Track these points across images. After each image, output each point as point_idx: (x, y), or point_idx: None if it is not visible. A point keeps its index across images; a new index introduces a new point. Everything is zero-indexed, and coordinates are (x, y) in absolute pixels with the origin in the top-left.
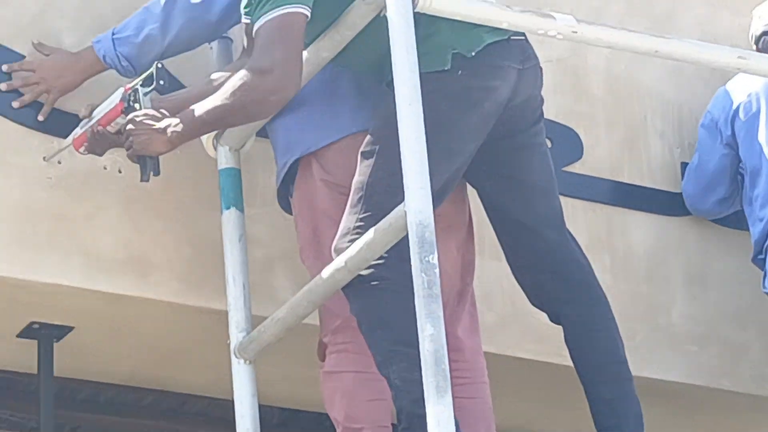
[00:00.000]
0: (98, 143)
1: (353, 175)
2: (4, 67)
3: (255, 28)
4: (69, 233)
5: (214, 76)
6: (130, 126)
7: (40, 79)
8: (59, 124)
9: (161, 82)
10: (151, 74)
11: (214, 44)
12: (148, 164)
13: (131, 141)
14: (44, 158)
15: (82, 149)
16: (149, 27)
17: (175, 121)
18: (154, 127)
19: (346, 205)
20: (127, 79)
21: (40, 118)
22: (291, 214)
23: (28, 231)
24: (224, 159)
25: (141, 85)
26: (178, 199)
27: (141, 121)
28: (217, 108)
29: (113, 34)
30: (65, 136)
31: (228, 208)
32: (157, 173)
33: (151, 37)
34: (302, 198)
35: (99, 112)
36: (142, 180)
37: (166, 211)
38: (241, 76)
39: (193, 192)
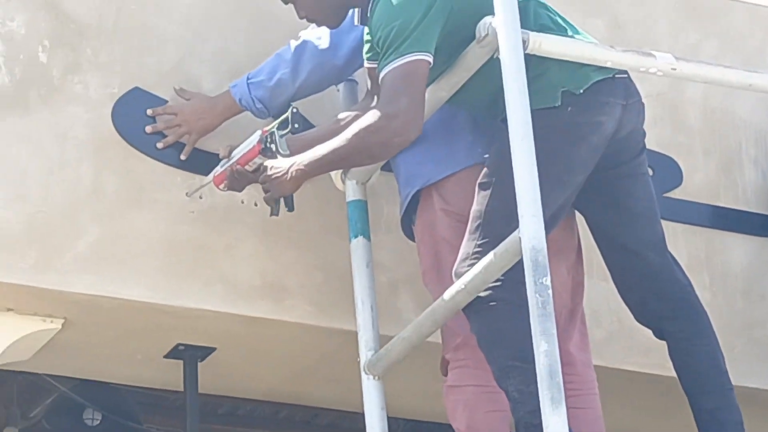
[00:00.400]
0: (237, 181)
1: (470, 205)
2: (149, 112)
3: (381, 75)
4: (210, 262)
5: (341, 116)
6: (263, 170)
7: (181, 121)
8: (200, 162)
9: (296, 126)
10: (287, 118)
11: (341, 86)
12: (279, 202)
13: (262, 184)
14: (187, 194)
15: (222, 186)
16: (281, 72)
17: (299, 160)
18: (281, 168)
19: (464, 232)
20: (262, 120)
21: (183, 157)
22: (413, 241)
23: (173, 261)
24: (352, 192)
25: (277, 128)
26: (309, 230)
27: (269, 168)
28: (342, 149)
29: (248, 79)
30: (206, 174)
31: (356, 236)
32: (291, 209)
33: (282, 81)
34: (424, 226)
35: (238, 153)
36: (272, 215)
37: (298, 241)
38: (367, 120)
39: (323, 222)
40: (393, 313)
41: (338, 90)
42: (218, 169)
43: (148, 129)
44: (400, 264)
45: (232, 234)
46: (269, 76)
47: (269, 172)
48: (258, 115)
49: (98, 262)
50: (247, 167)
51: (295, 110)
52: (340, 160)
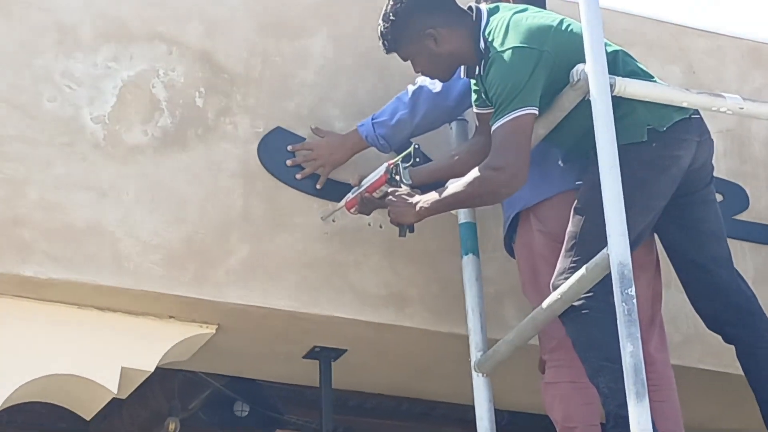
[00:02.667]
0: (366, 206)
1: (564, 226)
2: (289, 148)
3: (494, 127)
4: (342, 276)
5: (454, 150)
6: (390, 198)
7: (317, 156)
8: (332, 190)
9: (417, 160)
10: (409, 153)
11: (453, 124)
12: (405, 226)
13: (389, 210)
14: (321, 218)
15: (353, 210)
16: (401, 113)
17: (425, 198)
18: (408, 201)
19: (557, 250)
20: (386, 155)
21: (318, 186)
22: (514, 257)
23: (310, 275)
24: (463, 215)
25: (401, 161)
26: (427, 248)
27: (400, 195)
28: (459, 194)
29: (373, 119)
30: (338, 200)
31: (467, 254)
32: (412, 231)
33: (402, 120)
34: (523, 244)
35: (367, 182)
36: (400, 236)
37: (417, 257)
38: (480, 171)
39: (439, 242)
40: (499, 319)
41: (451, 128)
42: (349, 196)
43: (289, 162)
44: (504, 278)
45: (360, 251)
46: (391, 117)
47: (397, 202)
48: (381, 150)
49: (247, 276)
50: (374, 194)
51: (416, 146)
52: (457, 203)
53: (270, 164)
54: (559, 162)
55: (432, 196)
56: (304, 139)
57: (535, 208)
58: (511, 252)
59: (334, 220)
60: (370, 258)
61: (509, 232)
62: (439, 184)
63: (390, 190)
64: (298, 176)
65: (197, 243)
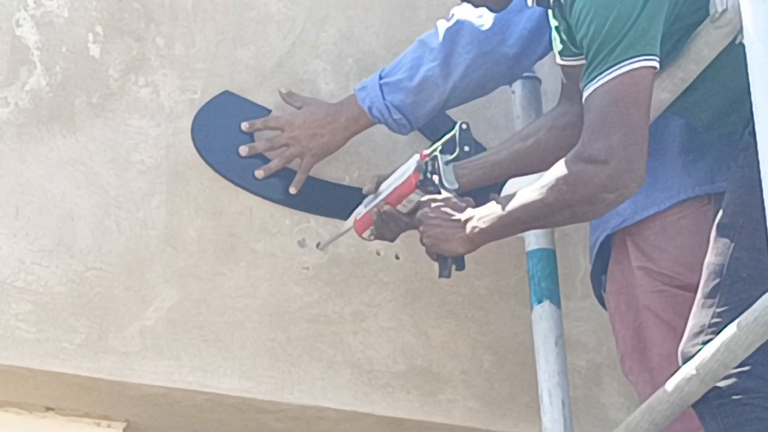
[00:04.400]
0: (386, 226)
1: (685, 259)
2: (244, 125)
3: (586, 93)
4: (333, 339)
5: (523, 131)
6: (425, 212)
7: (290, 139)
8: (317, 197)
9: (466, 149)
10: (453, 138)
11: (516, 87)
12: (449, 259)
13: (422, 232)
14: (318, 246)
15: (366, 234)
16: (427, 66)
17: (481, 213)
18: (453, 218)
19: (676, 301)
20: (407, 138)
21: (292, 190)
22: (605, 307)
23: (280, 337)
24: (534, 237)
25: (440, 152)
26: (473, 291)
27: (439, 208)
28: (534, 205)
29: (381, 78)
30: (324, 213)
31: (540, 301)
32: (460, 267)
33: (429, 79)
34: (618, 290)
35: (387, 187)
36: (441, 275)
37: (457, 307)
38: (566, 165)
39: (492, 281)
40: (593, 410)
41: (513, 92)
42: (361, 210)
43: (244, 151)
44: (603, 340)
45: (363, 298)
46: (410, 74)
47: (436, 220)
48: (397, 130)
49: (174, 339)
50: (400, 207)
51: (464, 126)
52: (532, 220)
53: (212, 154)
54: (681, 152)
55: (492, 209)
56: (269, 111)
57: (634, 230)
58: (602, 300)
59: (324, 250)
60: (381, 309)
61: (597, 269)
62: (496, 189)
63: (423, 199)
64: (260, 173)
65: (91, 285)
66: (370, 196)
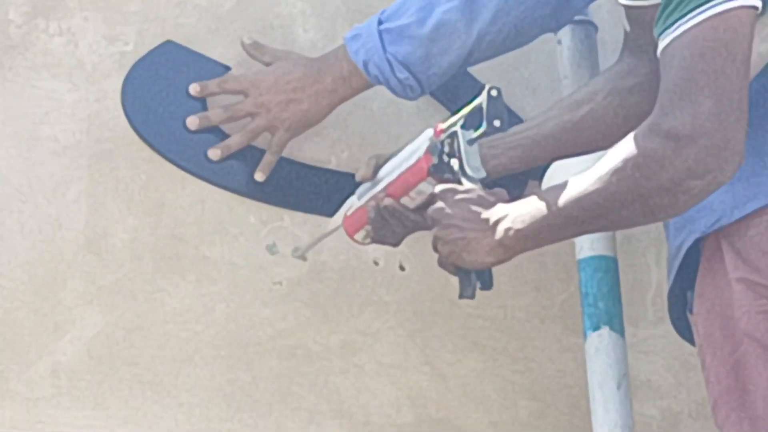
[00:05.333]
0: (387, 226)
1: None
2: (193, 88)
3: (662, 45)
4: (315, 380)
5: (574, 97)
6: (440, 208)
7: (256, 107)
8: (291, 185)
9: (496, 122)
10: (479, 106)
11: (564, 36)
12: (472, 274)
13: (437, 236)
14: (294, 253)
15: (360, 236)
16: (443, 7)
17: (515, 212)
18: (481, 217)
19: None
20: (414, 104)
21: (259, 176)
22: (687, 338)
23: (244, 377)
24: (588, 242)
25: (462, 126)
26: (505, 314)
27: (460, 202)
28: (591, 198)
29: (380, 22)
30: (302, 208)
31: (596, 328)
32: (486, 285)
33: (447, 24)
34: (710, 311)
35: (389, 173)
36: (463, 296)
37: (483, 336)
38: (636, 143)
39: (531, 301)
40: None
41: (559, 43)
42: (353, 204)
43: (193, 123)
44: (685, 381)
45: (356, 324)
46: (421, 16)
47: (456, 219)
48: (401, 94)
49: (98, 380)
50: (405, 200)
51: (495, 92)
52: (589, 220)
53: (149, 126)
54: None
55: (533, 205)
56: (227, 68)
57: (734, 231)
58: (683, 329)
59: (305, 258)
60: (380, 340)
61: (679, 284)
62: (536, 176)
63: (438, 190)
64: (213, 154)
65: None
66: (366, 185)
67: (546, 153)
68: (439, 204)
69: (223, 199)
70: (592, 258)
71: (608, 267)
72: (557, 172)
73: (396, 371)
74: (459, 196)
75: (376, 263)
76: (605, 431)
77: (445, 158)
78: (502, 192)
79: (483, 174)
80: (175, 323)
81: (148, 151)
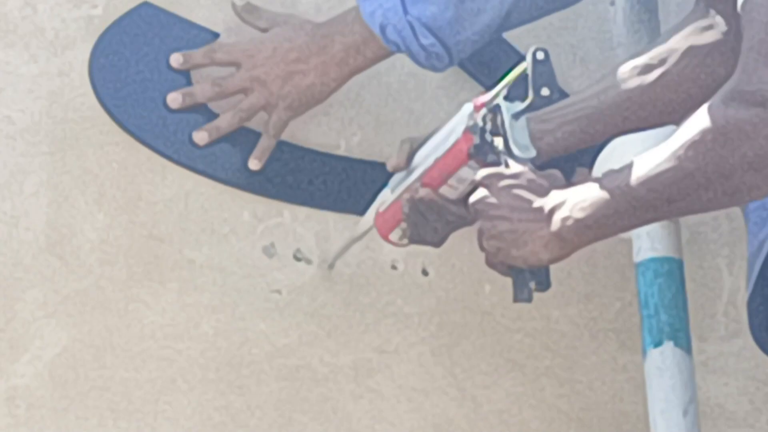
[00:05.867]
0: (426, 223)
1: None
2: (175, 59)
3: None
4: (321, 407)
5: (641, 61)
6: (480, 198)
7: (250, 81)
8: (293, 177)
9: (544, 92)
10: (524, 75)
11: None
12: (526, 273)
13: (482, 230)
14: (329, 266)
15: (396, 236)
16: None
17: (574, 198)
18: (533, 206)
19: None
20: (443, 77)
21: (255, 165)
22: None
23: (235, 404)
24: (648, 240)
25: (505, 98)
26: (548, 327)
27: (504, 190)
28: (666, 177)
29: None
30: (307, 203)
31: (658, 344)
32: (543, 286)
33: None
34: None
35: (424, 159)
36: (518, 299)
37: (522, 354)
38: (714, 113)
39: (580, 311)
40: None
41: (612, 3)
42: (387, 197)
43: (176, 101)
44: (763, 406)
45: (371, 340)
46: None
47: (501, 215)
48: (426, 63)
49: (63, 407)
50: (444, 190)
51: (540, 56)
52: (662, 205)
53: (122, 104)
54: None
55: (594, 190)
56: (216, 35)
57: None
58: (766, 343)
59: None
60: (401, 358)
61: (760, 292)
62: (586, 160)
63: (480, 176)
64: (199, 137)
65: None
66: (399, 175)
67: (608, 127)
68: (482, 192)
69: (210, 191)
70: (653, 260)
71: (672, 271)
72: (614, 154)
73: (418, 396)
74: (505, 182)
75: (394, 267)
76: None
77: (488, 137)
78: (557, 174)
79: (533, 153)
80: (154, 339)
81: (121, 135)
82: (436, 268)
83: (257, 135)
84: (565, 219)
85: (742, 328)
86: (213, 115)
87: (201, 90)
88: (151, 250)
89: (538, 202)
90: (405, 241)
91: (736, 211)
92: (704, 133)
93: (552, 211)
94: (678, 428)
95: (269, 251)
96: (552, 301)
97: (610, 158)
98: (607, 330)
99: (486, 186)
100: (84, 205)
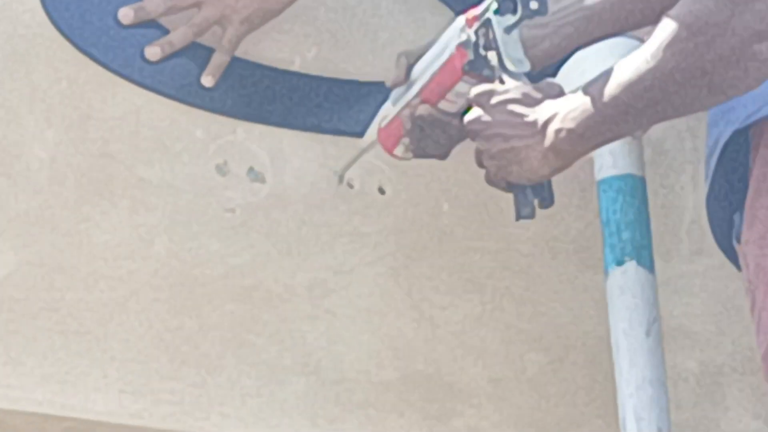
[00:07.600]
0: (428, 137)
1: None
2: None
3: None
4: (275, 329)
5: None
6: (475, 116)
7: None
8: (248, 93)
9: (533, 6)
10: None
11: None
12: (528, 189)
13: (480, 149)
14: (337, 175)
15: (400, 150)
16: None
17: (565, 108)
18: (527, 120)
19: None
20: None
21: (208, 81)
22: (736, 263)
23: (187, 326)
24: (609, 157)
25: (495, 12)
26: (509, 247)
27: (498, 107)
28: (646, 80)
29: None
30: (260, 119)
31: (620, 263)
32: (546, 202)
33: None
34: (762, 240)
35: (422, 73)
36: (521, 216)
37: (482, 274)
38: (689, 7)
39: (540, 230)
40: None
41: None
42: (389, 111)
43: (127, 16)
44: (727, 328)
45: (327, 260)
46: None
47: (497, 132)
48: None
49: (9, 331)
50: (443, 105)
51: None
52: (646, 108)
53: (71, 18)
54: None
55: (581, 99)
56: None
57: None
58: (729, 250)
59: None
60: (357, 279)
61: (722, 203)
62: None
63: (475, 93)
64: (153, 52)
65: None
66: (400, 89)
67: (606, 26)
68: (477, 111)
69: (162, 108)
70: (615, 178)
71: (634, 188)
72: (582, 62)
73: (376, 317)
74: (497, 98)
75: (350, 186)
76: (632, 388)
77: (482, 51)
78: (551, 84)
79: (527, 66)
80: (104, 260)
81: (70, 51)
82: (393, 186)
83: (210, 51)
84: (558, 131)
85: (706, 248)
86: (165, 31)
87: (153, 4)
88: (101, 168)
89: (531, 116)
90: (410, 155)
91: (700, 127)
92: (679, 31)
93: (545, 124)
94: (641, 348)
95: (222, 169)
96: (511, 221)
97: (578, 68)
98: (569, 249)
99: (479, 104)
100: (33, 123)
